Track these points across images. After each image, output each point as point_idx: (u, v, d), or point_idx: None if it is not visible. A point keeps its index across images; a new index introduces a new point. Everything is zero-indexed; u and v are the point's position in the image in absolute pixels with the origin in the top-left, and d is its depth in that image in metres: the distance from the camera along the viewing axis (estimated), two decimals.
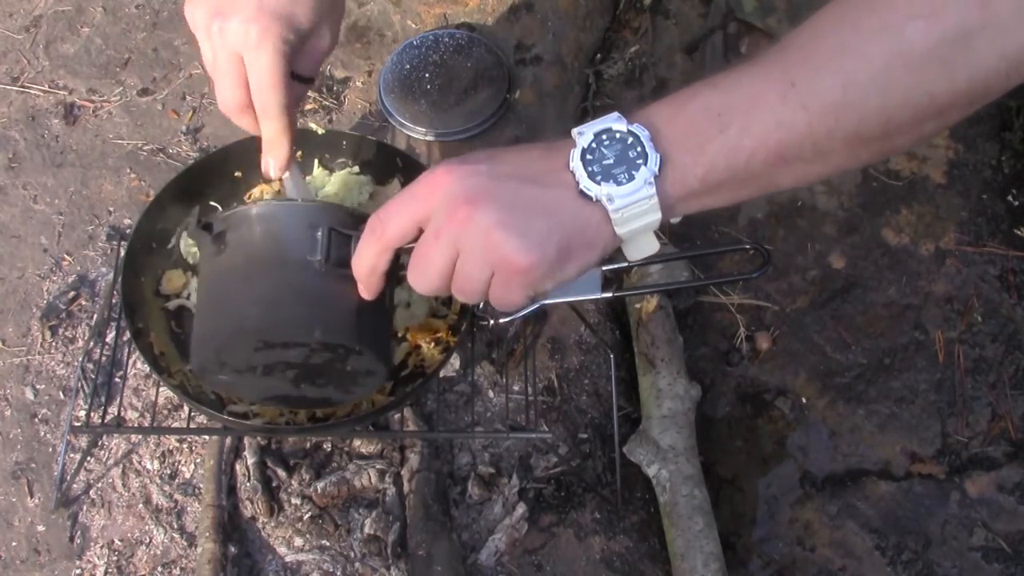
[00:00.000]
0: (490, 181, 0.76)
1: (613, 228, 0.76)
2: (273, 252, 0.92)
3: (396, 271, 0.89)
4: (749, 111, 0.73)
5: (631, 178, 0.74)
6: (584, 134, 0.77)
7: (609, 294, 1.08)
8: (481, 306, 1.16)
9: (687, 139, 0.75)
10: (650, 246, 0.82)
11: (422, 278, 0.80)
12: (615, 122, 0.77)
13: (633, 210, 0.75)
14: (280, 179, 1.06)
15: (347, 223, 0.91)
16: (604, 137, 0.76)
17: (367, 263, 0.85)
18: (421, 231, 0.79)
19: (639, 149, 0.75)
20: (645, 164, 0.74)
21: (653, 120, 0.76)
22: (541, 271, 0.75)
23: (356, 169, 1.32)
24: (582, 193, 0.75)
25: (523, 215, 0.74)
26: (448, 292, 0.81)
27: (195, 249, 1.28)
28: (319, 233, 0.89)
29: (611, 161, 0.75)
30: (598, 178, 0.75)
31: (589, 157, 0.76)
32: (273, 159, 1.00)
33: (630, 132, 0.75)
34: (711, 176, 0.75)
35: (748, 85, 0.74)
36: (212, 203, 1.29)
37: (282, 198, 1.18)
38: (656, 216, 0.76)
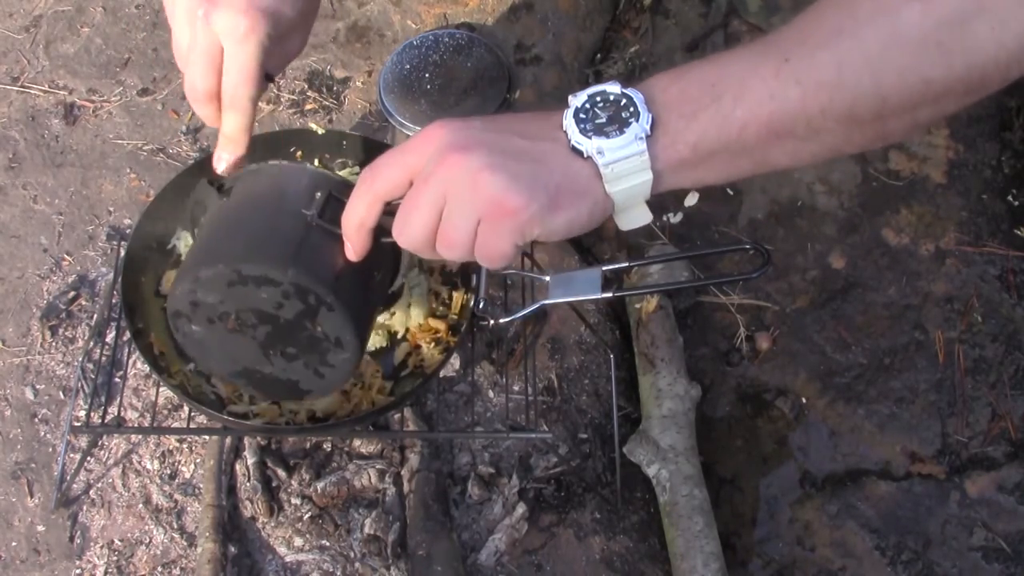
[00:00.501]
0: (482, 133, 0.76)
1: (604, 185, 0.76)
2: (271, 200, 0.95)
3: (395, 252, 0.88)
4: (743, 82, 0.74)
5: (621, 133, 0.75)
6: (578, 95, 0.77)
7: (609, 294, 1.08)
8: (481, 306, 1.16)
9: (680, 105, 0.75)
10: (642, 216, 0.81)
11: (408, 229, 0.79)
12: (609, 86, 0.77)
13: (623, 166, 0.75)
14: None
15: (347, 193, 0.91)
16: (598, 99, 0.77)
17: (356, 215, 0.84)
18: (411, 185, 0.79)
19: (632, 109, 0.75)
20: (636, 121, 0.75)
21: (649, 87, 0.77)
22: (529, 213, 0.75)
23: (356, 169, 1.32)
24: (573, 148, 0.76)
25: (514, 160, 0.75)
26: (433, 248, 0.80)
27: None
28: (319, 194, 0.92)
29: (603, 120, 0.76)
30: (589, 134, 0.76)
31: (582, 116, 0.76)
32: (227, 155, 1.00)
33: (624, 94, 0.76)
34: (702, 144, 0.75)
35: (744, 60, 0.75)
36: None
37: (294, 161, 1.23)
38: (647, 178, 0.76)
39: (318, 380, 1.01)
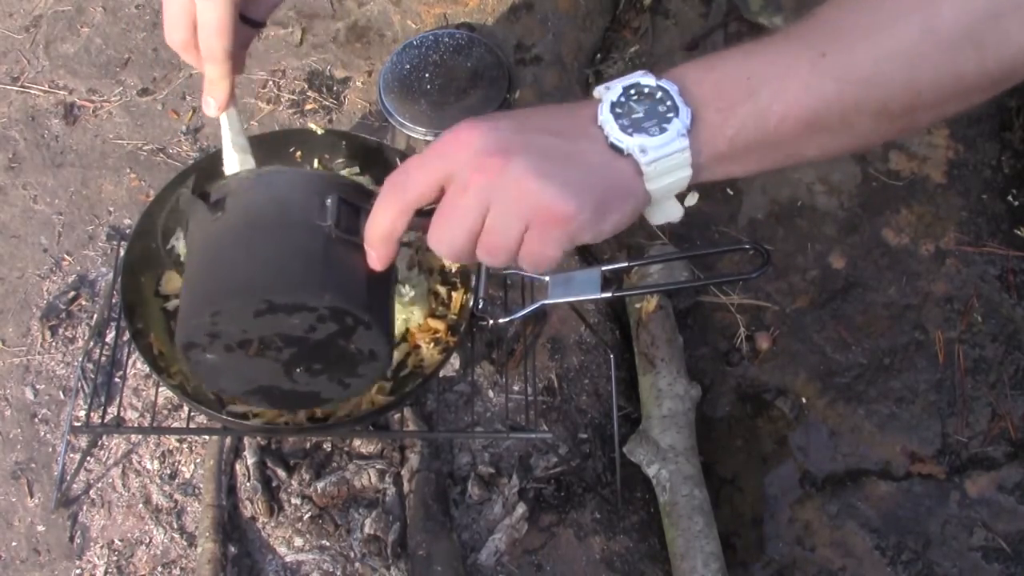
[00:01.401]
0: (517, 135, 0.73)
1: (644, 184, 0.74)
2: (277, 215, 0.87)
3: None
4: (780, 77, 0.72)
5: (663, 130, 0.72)
6: (612, 88, 0.74)
7: (608, 294, 1.08)
8: (481, 306, 1.16)
9: (717, 99, 0.73)
10: (675, 211, 0.79)
11: (447, 237, 0.75)
12: (643, 77, 0.74)
13: (666, 163, 0.73)
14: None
15: (354, 196, 0.87)
16: (632, 92, 0.74)
17: (384, 225, 0.79)
18: (442, 192, 0.75)
19: (669, 103, 0.73)
20: (676, 116, 0.72)
21: (682, 78, 0.74)
22: (581, 220, 0.72)
23: (356, 169, 1.32)
24: (612, 146, 0.73)
25: (558, 164, 0.72)
26: (472, 255, 0.77)
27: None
28: (328, 201, 0.85)
29: (640, 115, 0.73)
30: (629, 131, 0.73)
31: (618, 111, 0.73)
32: (213, 99, 1.01)
33: (659, 87, 0.74)
34: (739, 139, 0.74)
35: (778, 53, 0.74)
36: None
37: (285, 165, 1.12)
38: (686, 173, 0.74)
39: (341, 389, 0.97)
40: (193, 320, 0.88)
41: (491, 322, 1.17)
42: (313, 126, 1.31)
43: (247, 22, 0.99)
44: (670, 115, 0.73)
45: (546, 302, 1.13)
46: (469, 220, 0.74)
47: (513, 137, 0.73)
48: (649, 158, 0.73)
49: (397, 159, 1.32)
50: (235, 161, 1.15)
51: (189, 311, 0.90)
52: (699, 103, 0.73)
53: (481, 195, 0.73)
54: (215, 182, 0.92)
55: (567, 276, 1.13)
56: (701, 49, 1.76)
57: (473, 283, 1.19)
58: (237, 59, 0.98)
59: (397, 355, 1.23)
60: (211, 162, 1.30)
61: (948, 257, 1.67)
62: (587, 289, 1.09)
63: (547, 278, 1.13)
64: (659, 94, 0.74)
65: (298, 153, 1.32)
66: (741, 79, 0.73)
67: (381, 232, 0.80)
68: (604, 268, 1.10)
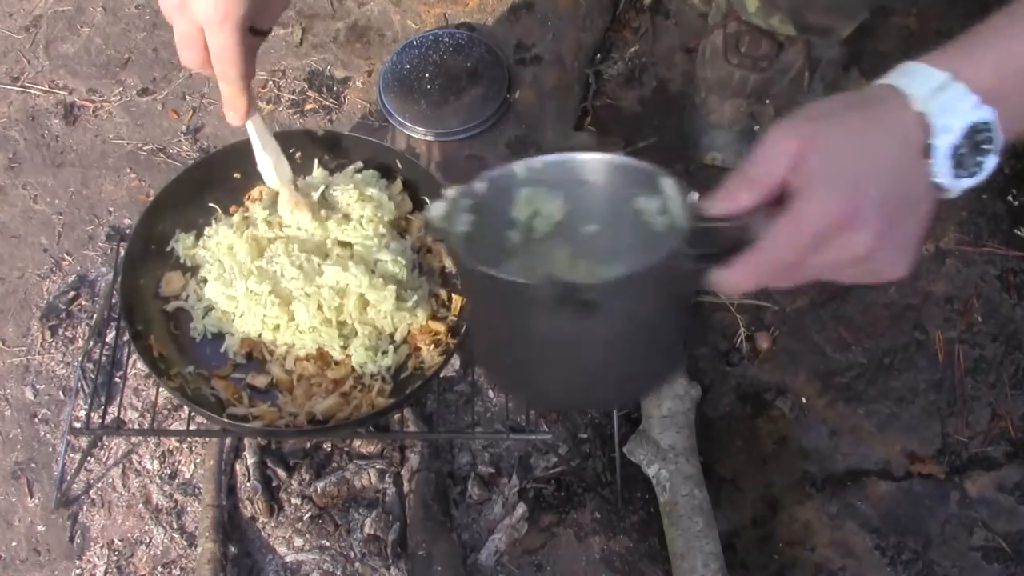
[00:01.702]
0: (878, 204, 0.73)
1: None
2: (650, 323, 0.77)
3: None
4: None
5: (982, 170, 0.75)
6: (951, 129, 0.73)
7: None
8: None
9: (1014, 118, 0.75)
10: None
11: (785, 280, 0.77)
12: (979, 111, 0.73)
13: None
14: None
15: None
16: (973, 135, 0.74)
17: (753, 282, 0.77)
18: None
19: (987, 135, 0.74)
20: (993, 152, 0.74)
21: (988, 86, 0.74)
22: (898, 275, 0.78)
23: (360, 164, 1.32)
24: (934, 183, 0.75)
25: (901, 233, 0.75)
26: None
27: (193, 251, 1.28)
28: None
29: (964, 151, 0.74)
30: (958, 175, 0.75)
31: (956, 159, 0.74)
32: (232, 111, 1.06)
33: (987, 125, 0.74)
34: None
35: None
36: (211, 204, 1.29)
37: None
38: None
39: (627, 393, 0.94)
40: (531, 399, 0.88)
41: None
42: (313, 127, 1.31)
43: (253, 32, 1.00)
44: (988, 149, 0.74)
45: None
46: (812, 274, 0.76)
47: (875, 207, 0.73)
48: (956, 189, 0.76)
49: (396, 160, 1.32)
50: (269, 166, 1.17)
51: (529, 394, 0.85)
52: (1003, 106, 0.74)
53: (832, 256, 0.74)
54: (576, 282, 0.72)
55: None
56: (701, 50, 1.76)
57: None
58: (248, 69, 1.01)
59: (397, 357, 1.23)
60: (210, 163, 1.30)
61: (948, 257, 1.67)
62: None
63: None
64: (982, 129, 0.74)
65: (298, 154, 1.33)
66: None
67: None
68: None
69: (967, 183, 0.75)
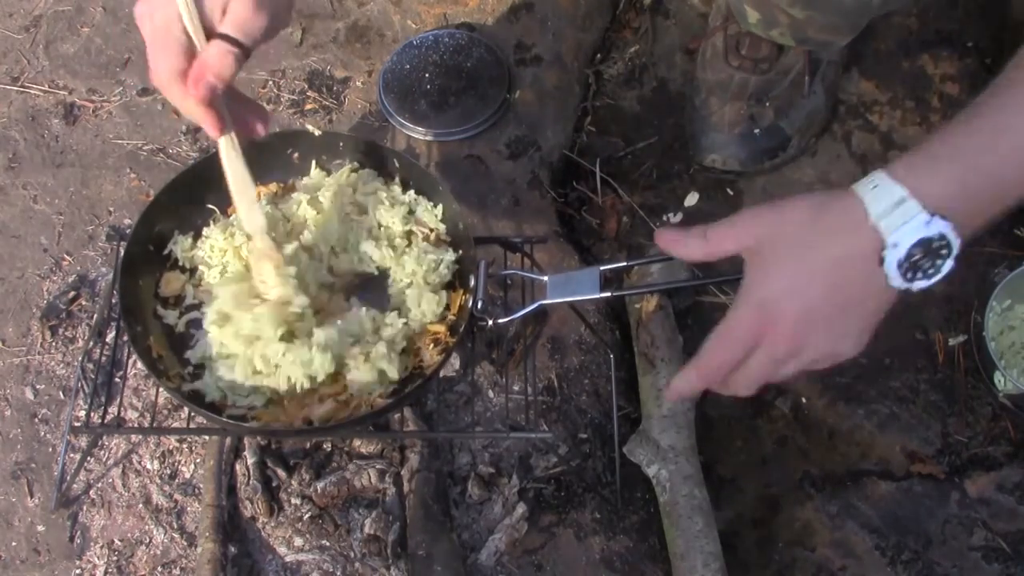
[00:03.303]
0: (820, 322, 0.89)
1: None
2: None
3: None
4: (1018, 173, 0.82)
5: (939, 272, 0.84)
6: (899, 246, 0.82)
7: (608, 293, 1.08)
8: (480, 306, 1.16)
9: (973, 218, 0.83)
10: None
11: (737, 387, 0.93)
12: (930, 227, 0.81)
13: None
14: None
15: None
16: (917, 250, 0.83)
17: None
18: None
19: (945, 243, 0.82)
20: (949, 257, 0.83)
21: (935, 200, 0.81)
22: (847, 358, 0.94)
23: (356, 165, 1.32)
24: (888, 282, 0.85)
25: (841, 328, 0.91)
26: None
27: (191, 253, 1.28)
28: None
29: (918, 257, 0.83)
30: (910, 278, 0.85)
31: (906, 266, 0.84)
32: (205, 127, 1.04)
33: (942, 236, 0.82)
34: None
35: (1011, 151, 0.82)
36: (209, 206, 1.29)
37: None
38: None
39: None
40: None
41: (491, 322, 1.17)
42: (310, 127, 1.30)
43: (240, 47, 0.97)
44: (944, 255, 0.83)
45: (545, 302, 1.13)
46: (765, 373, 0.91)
47: (813, 323, 0.88)
48: (916, 287, 0.85)
49: (394, 160, 1.32)
50: (242, 209, 1.13)
51: None
52: (955, 221, 0.82)
53: (772, 354, 0.89)
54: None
55: (567, 276, 1.13)
56: (701, 52, 1.76)
57: (472, 284, 1.19)
58: (206, 101, 0.98)
59: (399, 365, 1.22)
60: (207, 165, 1.30)
61: None
62: (586, 289, 1.09)
63: (546, 278, 1.13)
64: (935, 241, 0.82)
65: (295, 155, 1.32)
66: (984, 177, 0.82)
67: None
68: (603, 268, 1.10)
69: (923, 284, 0.84)
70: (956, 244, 0.82)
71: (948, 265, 0.83)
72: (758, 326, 0.87)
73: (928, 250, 0.82)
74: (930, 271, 0.83)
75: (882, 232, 0.82)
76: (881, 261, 0.83)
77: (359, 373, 1.15)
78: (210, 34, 0.96)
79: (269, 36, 0.99)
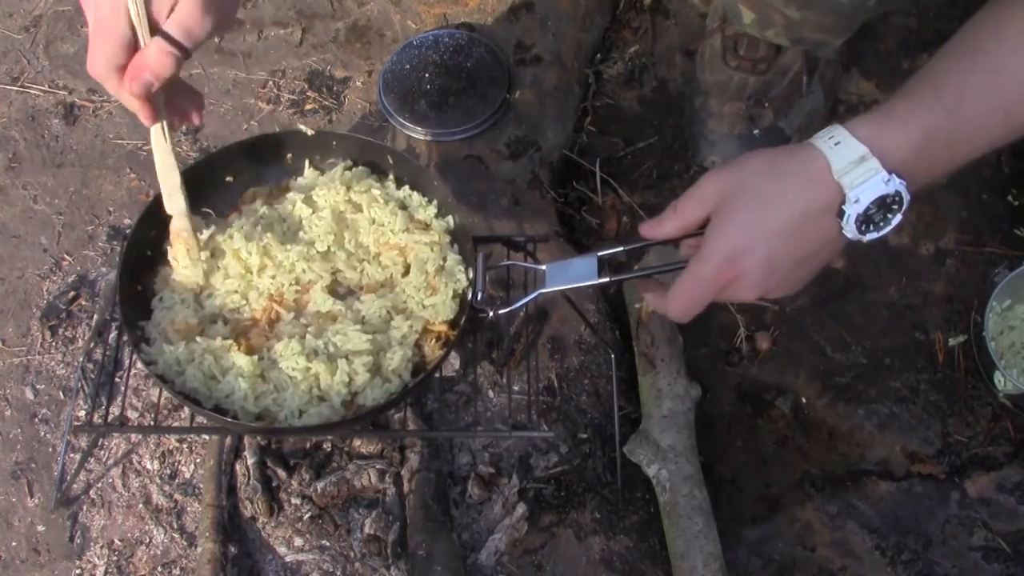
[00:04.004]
0: (785, 266, 0.95)
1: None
2: None
3: None
4: (973, 137, 0.89)
5: (889, 224, 0.91)
6: (859, 201, 0.88)
7: (606, 279, 1.08)
8: (480, 297, 1.16)
9: (926, 175, 0.90)
10: None
11: (686, 307, 1.01)
12: (886, 186, 0.88)
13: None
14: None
15: None
16: (874, 206, 0.89)
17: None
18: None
19: (898, 199, 0.89)
20: (900, 211, 0.90)
21: (896, 162, 0.88)
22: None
23: (350, 163, 1.32)
24: (842, 232, 0.92)
25: (799, 271, 0.97)
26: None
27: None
28: None
29: (873, 211, 0.89)
30: (865, 232, 0.91)
31: (863, 220, 0.90)
32: (139, 116, 1.05)
33: (897, 193, 0.89)
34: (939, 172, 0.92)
35: (973, 116, 0.88)
36: (205, 209, 1.28)
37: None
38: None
39: None
40: None
41: (491, 313, 1.16)
42: (303, 127, 1.30)
43: (181, 49, 0.97)
44: (896, 209, 0.89)
45: (544, 290, 1.12)
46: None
47: (781, 267, 0.94)
48: (868, 239, 0.92)
49: (388, 157, 1.32)
50: (169, 180, 1.15)
51: None
52: (910, 178, 0.88)
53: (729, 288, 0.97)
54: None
55: (564, 264, 1.13)
56: (701, 54, 1.76)
57: (471, 276, 1.19)
58: (141, 94, 0.99)
59: (400, 362, 1.22)
60: (203, 167, 1.30)
61: (948, 257, 1.67)
62: (584, 276, 1.09)
63: (544, 267, 1.13)
64: (892, 196, 0.88)
65: (289, 156, 1.32)
66: (941, 145, 0.89)
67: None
68: (600, 254, 1.10)
69: (874, 236, 0.91)
70: (907, 199, 0.89)
71: (898, 219, 0.90)
72: (726, 276, 0.94)
73: (883, 205, 0.88)
74: (881, 224, 0.90)
75: (844, 187, 0.88)
76: (840, 214, 0.89)
77: (371, 390, 1.14)
78: (153, 29, 0.95)
79: (213, 37, 0.99)
